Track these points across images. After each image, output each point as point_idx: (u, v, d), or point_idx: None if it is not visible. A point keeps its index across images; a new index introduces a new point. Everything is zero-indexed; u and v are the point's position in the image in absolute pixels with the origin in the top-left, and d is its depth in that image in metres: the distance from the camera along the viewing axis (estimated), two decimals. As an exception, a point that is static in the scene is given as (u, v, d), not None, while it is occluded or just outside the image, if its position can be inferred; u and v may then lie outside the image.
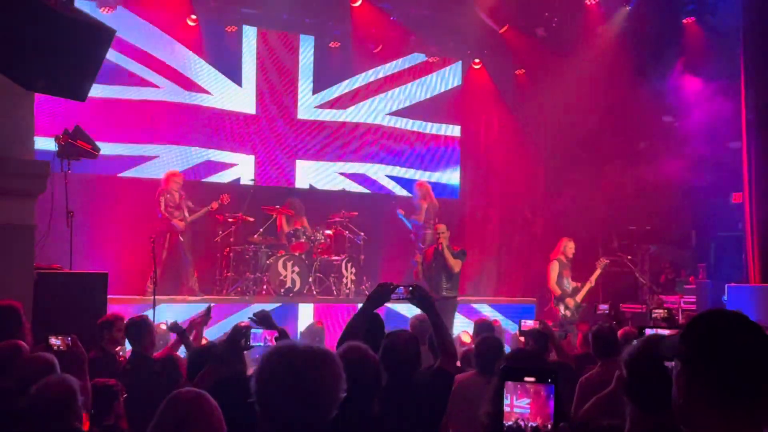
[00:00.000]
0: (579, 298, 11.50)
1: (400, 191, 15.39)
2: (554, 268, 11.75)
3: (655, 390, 2.61)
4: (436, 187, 15.59)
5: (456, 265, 11.04)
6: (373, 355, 3.50)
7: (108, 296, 8.21)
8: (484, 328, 7.25)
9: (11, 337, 4.95)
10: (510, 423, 1.42)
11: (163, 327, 9.64)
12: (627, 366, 2.76)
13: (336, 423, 2.54)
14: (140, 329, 6.42)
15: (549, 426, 1.42)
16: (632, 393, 2.71)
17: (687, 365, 1.93)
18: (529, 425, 1.43)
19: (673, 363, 2.00)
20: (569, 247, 11.88)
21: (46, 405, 3.57)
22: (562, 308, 11.52)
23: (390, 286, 4.46)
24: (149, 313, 8.72)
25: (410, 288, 4.46)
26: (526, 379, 1.45)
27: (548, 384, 1.44)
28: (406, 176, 15.52)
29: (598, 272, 11.62)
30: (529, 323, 6.70)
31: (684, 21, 14.20)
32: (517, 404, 1.44)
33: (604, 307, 9.77)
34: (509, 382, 1.44)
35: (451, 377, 4.19)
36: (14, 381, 4.08)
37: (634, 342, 2.92)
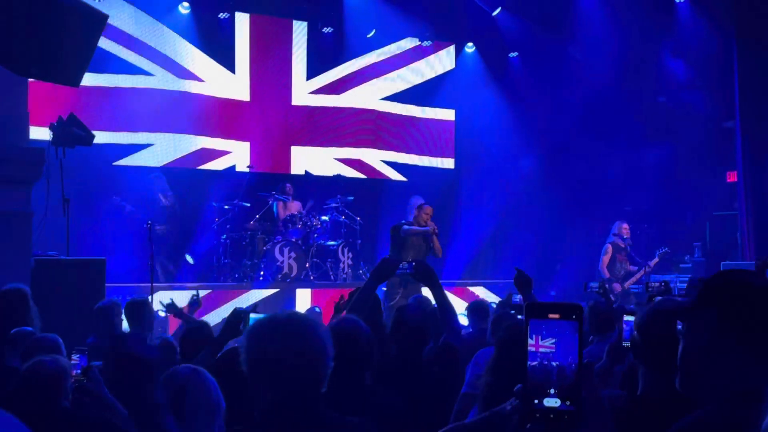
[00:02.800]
0: (628, 284, 11.43)
1: (395, 176, 15.38)
2: (608, 251, 11.72)
3: (668, 352, 2.62)
4: (431, 171, 15.60)
5: (440, 251, 10.89)
6: (364, 326, 3.51)
7: (106, 283, 8.22)
8: (477, 307, 7.24)
9: (21, 320, 4.97)
10: (534, 363, 1.40)
11: (161, 314, 9.63)
12: (639, 329, 2.76)
13: (328, 395, 2.55)
14: (140, 311, 6.42)
15: (574, 365, 1.39)
16: (645, 356, 2.72)
17: (703, 322, 1.94)
18: (554, 365, 1.41)
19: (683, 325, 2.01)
20: (623, 229, 11.81)
21: (36, 383, 3.58)
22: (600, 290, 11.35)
23: (393, 261, 4.48)
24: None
25: (413, 263, 4.48)
26: (550, 315, 1.43)
27: (573, 320, 1.42)
28: (402, 161, 15.50)
29: (656, 261, 11.57)
30: (519, 296, 6.67)
31: (677, 0, 14.17)
32: (542, 344, 1.42)
33: (593, 285, 9.73)
34: (533, 322, 1.41)
35: (457, 351, 4.19)
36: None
37: (647, 306, 2.93)
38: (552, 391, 1.38)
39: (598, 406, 1.41)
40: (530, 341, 1.41)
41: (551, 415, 1.38)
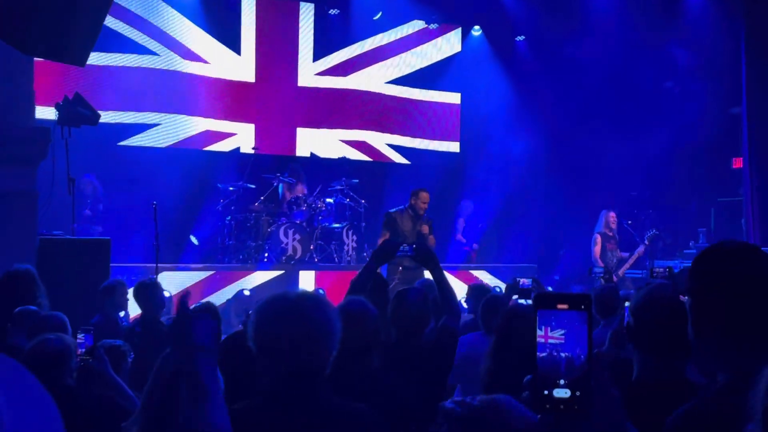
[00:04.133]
0: (622, 272, 11.41)
1: (399, 159, 15.37)
2: (597, 242, 11.71)
3: (662, 336, 2.62)
4: (436, 155, 15.58)
5: (432, 240, 10.72)
6: (372, 308, 3.51)
7: (111, 263, 8.25)
8: (477, 290, 7.22)
9: (31, 300, 4.99)
10: (543, 354, 1.40)
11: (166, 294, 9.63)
12: (634, 313, 2.75)
13: (335, 376, 2.56)
14: (149, 292, 6.44)
15: (582, 356, 1.40)
16: (640, 340, 2.72)
17: (695, 298, 1.94)
18: (563, 355, 1.41)
19: (686, 298, 2.00)
20: (610, 218, 11.79)
21: (41, 362, 3.59)
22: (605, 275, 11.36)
23: (394, 243, 4.48)
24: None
25: (414, 245, 4.48)
26: (559, 306, 1.43)
27: (581, 311, 1.42)
28: (406, 144, 15.48)
29: (646, 244, 11.53)
30: (525, 281, 6.68)
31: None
32: (551, 335, 1.42)
33: (598, 270, 9.73)
34: (542, 313, 1.42)
35: (456, 333, 4.20)
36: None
37: (641, 291, 2.92)
38: (561, 381, 1.39)
39: (608, 397, 1.41)
40: (539, 332, 1.41)
41: (561, 406, 1.38)
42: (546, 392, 1.38)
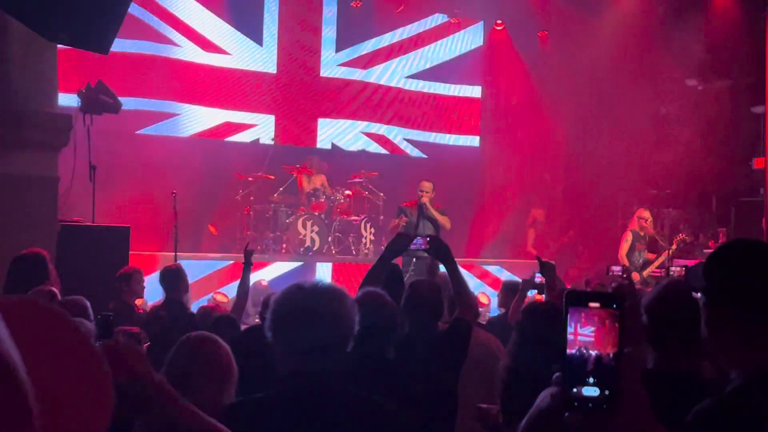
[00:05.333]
0: (646, 273, 11.32)
1: (417, 154, 15.36)
2: (627, 239, 11.60)
3: (675, 333, 2.61)
4: (456, 149, 15.56)
5: (447, 221, 10.79)
6: (389, 300, 3.52)
7: (130, 250, 8.31)
8: (509, 287, 7.21)
9: (39, 284, 5.01)
10: (572, 351, 1.39)
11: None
12: (647, 311, 2.74)
13: (352, 366, 2.57)
14: (175, 276, 6.49)
15: (611, 354, 1.39)
16: (654, 339, 2.71)
17: (709, 296, 1.93)
18: (593, 353, 1.40)
19: (700, 296, 2.00)
20: (644, 217, 11.70)
21: None
22: (623, 275, 11.26)
23: (408, 235, 4.48)
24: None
25: (428, 238, 4.47)
26: (590, 304, 1.42)
27: (613, 309, 1.42)
28: (425, 140, 15.47)
29: (674, 248, 11.44)
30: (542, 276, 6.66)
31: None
32: (581, 332, 1.41)
33: (616, 269, 9.65)
34: (573, 310, 1.41)
35: (469, 327, 4.19)
36: None
37: (653, 290, 2.91)
38: (591, 380, 1.38)
39: (637, 396, 1.41)
40: (569, 329, 1.40)
41: (590, 404, 1.38)
42: (575, 390, 1.38)
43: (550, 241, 13.96)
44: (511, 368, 3.35)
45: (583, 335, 1.39)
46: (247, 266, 6.53)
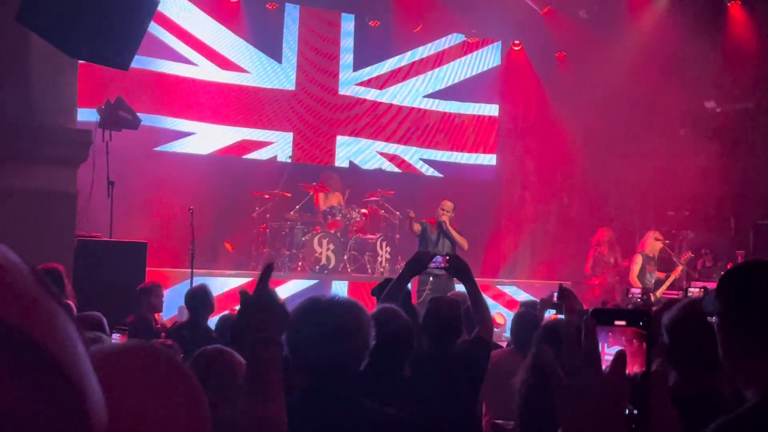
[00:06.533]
0: (659, 293, 11.25)
1: (432, 173, 15.36)
2: (637, 262, 11.55)
3: (698, 353, 2.57)
4: (473, 168, 15.55)
5: (465, 242, 10.84)
6: (405, 317, 3.50)
7: (146, 266, 8.32)
8: (527, 305, 7.17)
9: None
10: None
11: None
12: (668, 330, 2.71)
13: (366, 383, 2.55)
14: (202, 298, 6.50)
15: (639, 374, 1.36)
16: (675, 358, 2.67)
17: (722, 318, 1.92)
18: None
19: (714, 319, 1.98)
20: (653, 240, 11.64)
21: None
22: (643, 296, 11.20)
23: (428, 254, 4.47)
24: (185, 286, 8.80)
25: (447, 257, 4.45)
26: (617, 322, 1.39)
27: (639, 328, 1.39)
28: (441, 159, 15.46)
29: (680, 267, 11.37)
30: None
31: (728, 4, 13.94)
32: (608, 352, 1.38)
33: (636, 291, 9.57)
34: (599, 329, 1.37)
35: (488, 345, 4.17)
36: None
37: (674, 308, 2.87)
38: None
39: (667, 414, 1.38)
40: None
41: None
42: None
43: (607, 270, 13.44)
44: (530, 384, 3.32)
45: (610, 355, 1.36)
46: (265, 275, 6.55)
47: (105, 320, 4.49)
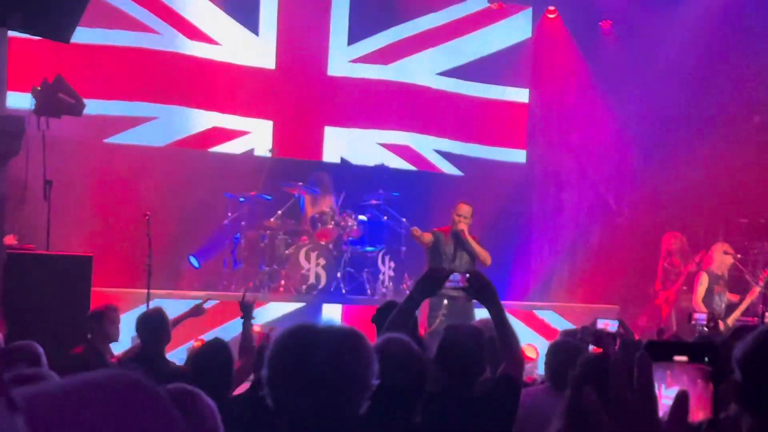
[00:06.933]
0: (731, 320, 11.21)
1: (450, 169, 15.34)
2: (702, 282, 11.52)
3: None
4: (497, 166, 15.53)
5: (487, 255, 10.83)
6: (417, 350, 3.49)
7: (92, 286, 8.32)
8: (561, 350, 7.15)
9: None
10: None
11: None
12: (741, 366, 2.69)
13: (368, 429, 2.54)
14: (157, 325, 6.49)
15: (705, 423, 1.35)
16: (749, 400, 2.66)
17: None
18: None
19: None
20: (721, 253, 11.60)
21: None
22: (710, 323, 11.12)
23: (443, 271, 4.46)
24: (141, 309, 8.79)
25: (467, 275, 4.43)
26: (677, 358, 1.38)
27: (705, 364, 1.38)
28: (459, 152, 15.44)
29: (757, 289, 11.32)
30: (607, 323, 6.60)
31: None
32: (666, 394, 1.37)
33: (700, 317, 9.55)
34: (654, 366, 1.36)
35: (517, 386, 4.17)
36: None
37: (748, 337, 2.86)
38: None
39: None
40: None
41: None
42: None
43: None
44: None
45: (668, 398, 1.35)
46: (247, 324, 6.58)
47: (42, 352, 4.48)
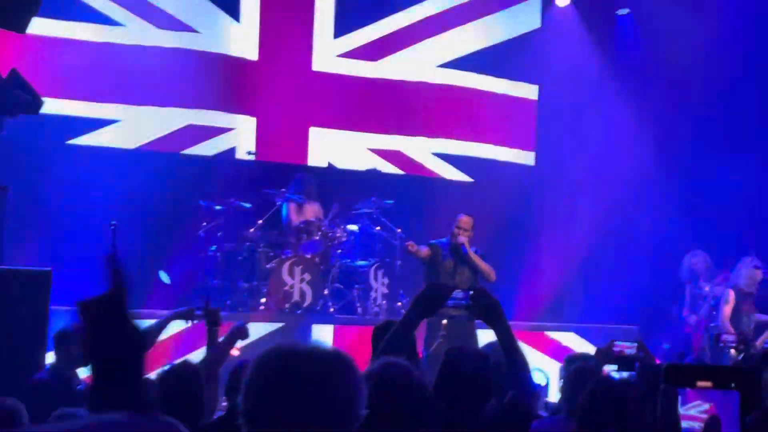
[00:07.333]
0: (759, 342, 11.23)
1: (451, 174, 15.33)
2: (729, 300, 11.57)
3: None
4: (502, 168, 15.52)
5: (491, 271, 10.87)
6: (416, 376, 3.47)
7: (51, 304, 8.29)
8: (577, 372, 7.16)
9: None
10: None
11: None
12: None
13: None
14: (69, 341, 6.50)
15: None
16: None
17: None
18: None
19: None
20: (751, 269, 11.62)
21: None
22: (733, 352, 11.13)
23: (444, 287, 4.44)
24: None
25: (470, 292, 4.42)
26: (700, 383, 1.37)
27: (731, 390, 1.37)
28: (460, 153, 15.43)
29: None
30: (625, 345, 6.57)
31: None
32: (686, 413, 1.35)
33: (729, 338, 9.57)
34: (677, 389, 1.35)
35: (528, 414, 4.16)
36: None
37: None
38: None
39: None
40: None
41: None
42: None
43: None
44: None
45: (689, 418, 1.34)
46: (213, 329, 6.54)
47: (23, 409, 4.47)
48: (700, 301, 12.67)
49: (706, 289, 12.60)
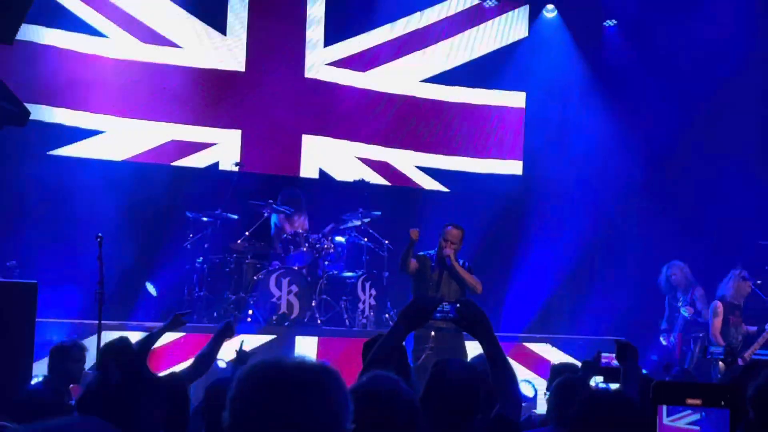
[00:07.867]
0: (748, 355, 11.26)
1: (436, 186, 15.33)
2: (718, 312, 11.60)
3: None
4: (491, 179, 15.54)
5: (478, 284, 10.87)
6: (406, 389, 3.47)
7: (36, 317, 8.26)
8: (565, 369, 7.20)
9: None
10: None
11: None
12: (753, 405, 2.72)
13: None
14: (64, 357, 6.49)
15: None
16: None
17: None
18: None
19: None
20: (739, 280, 11.66)
21: None
22: (721, 365, 11.17)
23: (432, 299, 4.44)
24: (92, 342, 8.77)
25: (457, 304, 4.42)
26: (690, 401, 1.37)
27: (721, 408, 1.38)
28: (445, 166, 15.43)
29: None
30: (611, 357, 6.61)
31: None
32: (669, 423, 1.36)
33: (717, 350, 9.62)
34: (664, 408, 1.36)
35: (516, 428, 4.16)
36: None
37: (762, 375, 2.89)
38: None
39: None
40: None
41: None
42: None
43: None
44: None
45: (672, 429, 1.35)
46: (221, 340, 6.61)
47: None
48: (676, 313, 12.70)
49: (679, 303, 12.63)
